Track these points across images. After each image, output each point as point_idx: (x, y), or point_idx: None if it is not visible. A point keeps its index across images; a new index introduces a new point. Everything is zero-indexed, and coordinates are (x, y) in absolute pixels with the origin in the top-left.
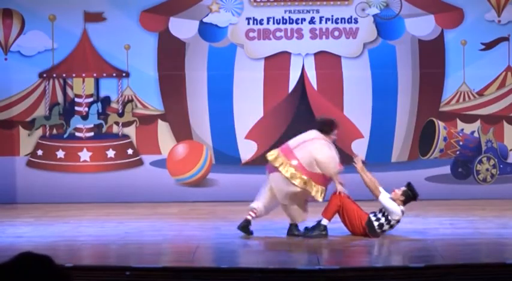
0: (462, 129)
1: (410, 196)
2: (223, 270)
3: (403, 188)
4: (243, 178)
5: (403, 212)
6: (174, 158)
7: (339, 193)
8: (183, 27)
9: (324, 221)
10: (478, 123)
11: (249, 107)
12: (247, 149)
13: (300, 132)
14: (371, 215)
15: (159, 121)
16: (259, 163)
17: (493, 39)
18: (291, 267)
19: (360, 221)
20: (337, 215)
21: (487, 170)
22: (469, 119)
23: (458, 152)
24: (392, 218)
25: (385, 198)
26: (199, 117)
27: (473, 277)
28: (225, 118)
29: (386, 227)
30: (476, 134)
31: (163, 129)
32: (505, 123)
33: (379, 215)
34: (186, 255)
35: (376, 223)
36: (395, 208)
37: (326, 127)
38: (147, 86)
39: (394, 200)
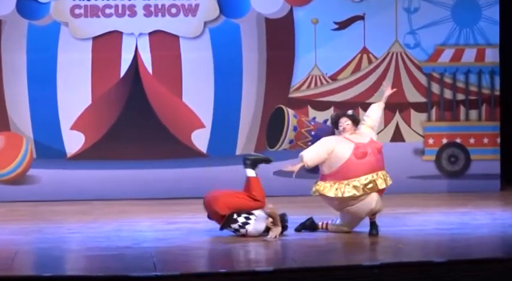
0: (314, 118)
1: (282, 224)
2: (46, 278)
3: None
4: (68, 173)
5: (259, 233)
6: None
7: None
8: None
9: None
10: (331, 110)
11: (75, 93)
12: (73, 141)
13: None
14: (235, 215)
15: None
16: (87, 156)
17: (347, 18)
18: (123, 274)
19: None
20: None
21: None
22: (322, 106)
23: (310, 143)
24: (248, 231)
25: (262, 214)
26: (18, 106)
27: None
28: (48, 106)
29: (234, 228)
30: (329, 123)
31: None
32: (360, 110)
33: (241, 219)
34: (3, 262)
35: (233, 226)
36: (260, 229)
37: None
38: None
39: (268, 214)
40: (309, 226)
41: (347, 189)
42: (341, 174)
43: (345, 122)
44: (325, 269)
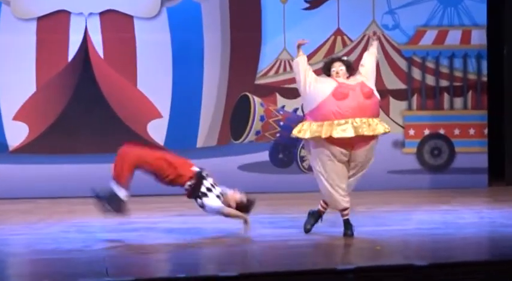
0: (283, 107)
1: (243, 208)
2: None
3: (244, 198)
4: (11, 169)
5: (212, 212)
6: None
7: None
8: None
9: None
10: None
11: (17, 79)
12: (15, 133)
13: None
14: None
15: None
16: (32, 150)
17: None
18: (71, 280)
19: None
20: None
21: None
22: (291, 93)
23: (278, 135)
24: (204, 204)
25: (220, 204)
26: None
27: None
28: None
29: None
30: (300, 112)
31: None
32: None
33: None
34: None
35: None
36: (214, 208)
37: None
38: None
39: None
40: (314, 217)
41: (318, 129)
42: (317, 113)
43: (338, 67)
44: (294, 274)
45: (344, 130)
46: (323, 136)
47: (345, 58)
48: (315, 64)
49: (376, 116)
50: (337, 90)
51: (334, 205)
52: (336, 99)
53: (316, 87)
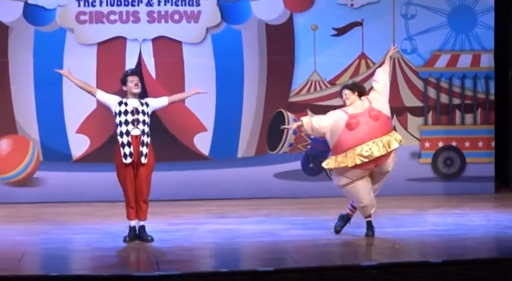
0: None
1: None
2: (53, 278)
3: None
4: (74, 176)
5: None
6: None
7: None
8: (5, 9)
9: None
10: None
11: (80, 97)
12: (78, 145)
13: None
14: None
15: None
16: (92, 159)
17: (346, 24)
18: (127, 273)
19: None
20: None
21: None
22: (321, 110)
23: (309, 146)
24: None
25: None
26: (25, 109)
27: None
28: (54, 110)
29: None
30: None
31: None
32: None
33: None
34: (11, 262)
35: None
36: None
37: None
38: None
39: None
40: (343, 220)
41: (343, 159)
42: (338, 147)
43: (343, 93)
44: (323, 269)
45: (365, 155)
46: (350, 165)
47: (349, 82)
48: (342, 84)
49: (388, 132)
50: (349, 122)
51: (363, 212)
52: (349, 130)
53: (334, 125)
